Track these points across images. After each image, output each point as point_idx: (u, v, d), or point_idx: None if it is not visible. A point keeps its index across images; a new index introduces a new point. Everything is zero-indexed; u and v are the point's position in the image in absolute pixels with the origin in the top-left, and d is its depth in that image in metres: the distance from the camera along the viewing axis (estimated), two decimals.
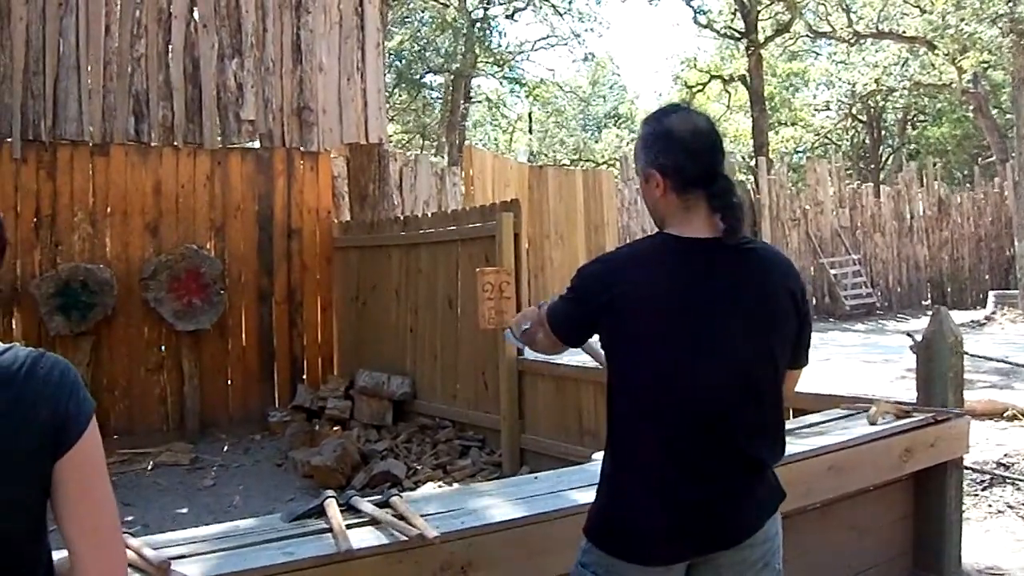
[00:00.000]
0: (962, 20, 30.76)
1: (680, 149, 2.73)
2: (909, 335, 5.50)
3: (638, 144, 2.87)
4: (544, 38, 43.84)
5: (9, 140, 10.92)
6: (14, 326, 10.97)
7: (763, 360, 2.79)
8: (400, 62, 38.76)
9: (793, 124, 44.35)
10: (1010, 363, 9.59)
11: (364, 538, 3.06)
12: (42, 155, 11.14)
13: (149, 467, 10.45)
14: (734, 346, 2.70)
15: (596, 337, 2.88)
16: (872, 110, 43.89)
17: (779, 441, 2.95)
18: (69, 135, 11.17)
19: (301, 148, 12.50)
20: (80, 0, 11.21)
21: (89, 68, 11.29)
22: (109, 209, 11.54)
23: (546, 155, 50.09)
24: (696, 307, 2.66)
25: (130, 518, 8.58)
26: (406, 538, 3.03)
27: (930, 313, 5.63)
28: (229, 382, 12.15)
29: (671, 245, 2.73)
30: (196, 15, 11.93)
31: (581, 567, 2.80)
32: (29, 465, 1.78)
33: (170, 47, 11.77)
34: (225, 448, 11.17)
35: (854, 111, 42.90)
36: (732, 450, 2.74)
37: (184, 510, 8.94)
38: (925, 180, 27.26)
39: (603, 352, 2.82)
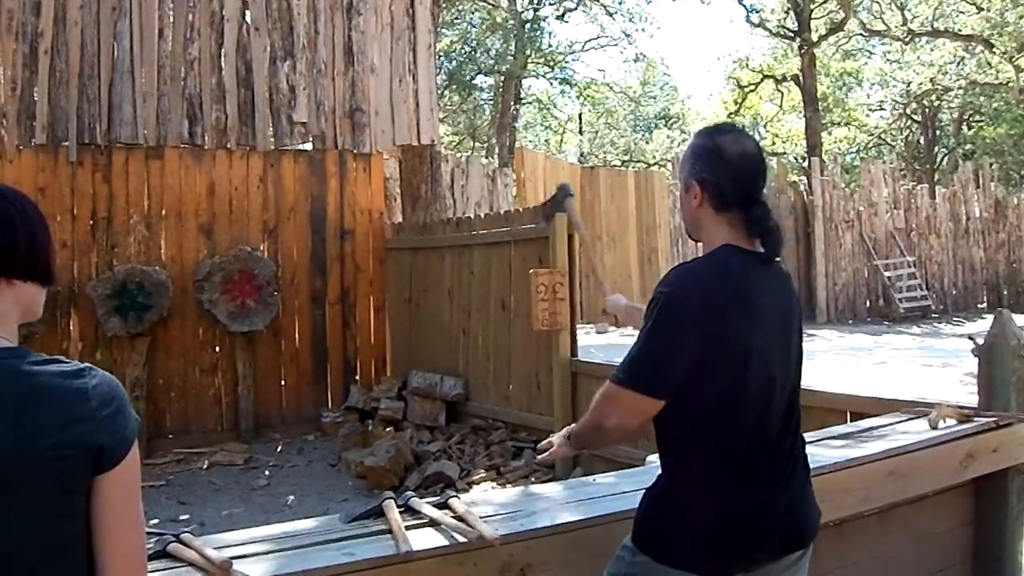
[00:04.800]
0: (1020, 18, 30.47)
1: (724, 169, 2.81)
2: (971, 338, 5.40)
3: (686, 153, 2.94)
4: (594, 38, 43.71)
5: (65, 144, 11.05)
6: (71, 327, 11.07)
7: (798, 369, 2.93)
8: (450, 63, 38.81)
9: (847, 124, 44.03)
10: None
11: (424, 540, 3.03)
12: (97, 158, 11.26)
13: (204, 466, 10.53)
14: (785, 356, 2.83)
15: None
16: (927, 110, 43.47)
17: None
18: (124, 138, 11.28)
19: (353, 150, 12.54)
20: (134, 4, 11.32)
21: (143, 72, 11.40)
22: (164, 211, 11.64)
23: (597, 156, 49.99)
24: (764, 317, 2.74)
25: (185, 516, 8.64)
26: (466, 540, 3.00)
27: (986, 316, 5.55)
28: (283, 383, 12.21)
29: (740, 255, 2.78)
30: (248, 18, 12.01)
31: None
32: (69, 479, 1.79)
33: (223, 50, 11.86)
34: (279, 448, 11.23)
35: (909, 111, 42.60)
36: (789, 461, 2.82)
37: (239, 509, 8.99)
38: (981, 181, 26.89)
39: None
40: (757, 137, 44.45)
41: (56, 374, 1.81)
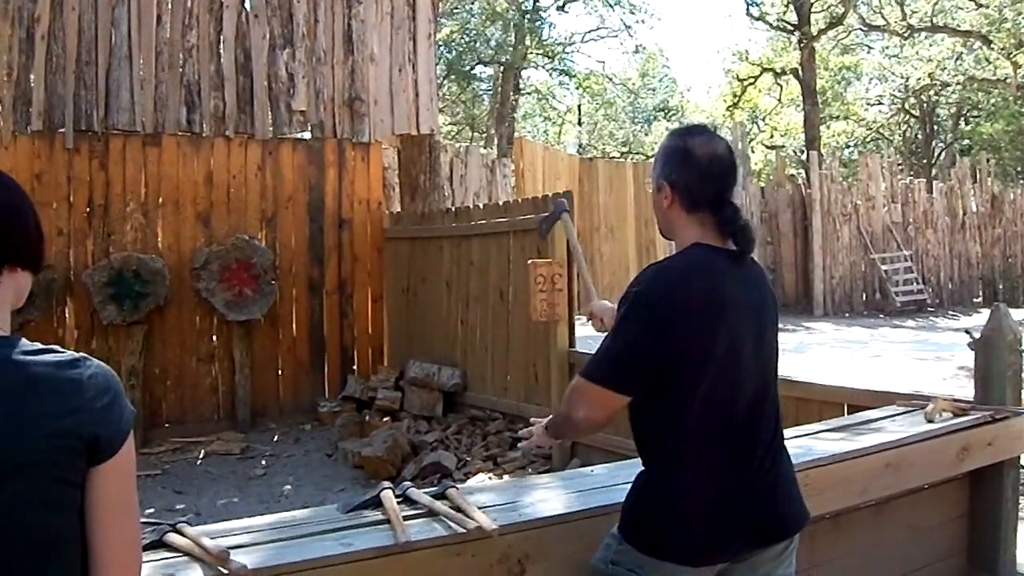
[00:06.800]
0: (1019, 14, 30.53)
1: (694, 171, 2.89)
2: (968, 332, 5.42)
3: (658, 153, 3.02)
4: (594, 30, 43.78)
5: (62, 130, 11.00)
6: (67, 315, 11.05)
7: (775, 359, 3.01)
8: (450, 53, 38.78)
9: (845, 118, 44.09)
10: None
11: (422, 530, 3.04)
12: (95, 145, 11.21)
13: (200, 456, 10.52)
14: (758, 350, 2.88)
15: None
16: (925, 105, 43.53)
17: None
18: (121, 125, 11.23)
19: (352, 139, 12.50)
20: None
21: (141, 58, 11.36)
22: (161, 199, 11.60)
23: (595, 147, 50.06)
24: (736, 311, 2.80)
25: (182, 506, 8.64)
26: (464, 530, 3.01)
27: (981, 310, 5.56)
28: (280, 372, 12.19)
29: (715, 253, 2.85)
30: (247, 5, 11.98)
31: (612, 565, 2.89)
32: (64, 471, 1.77)
33: (222, 37, 11.81)
34: (275, 438, 11.21)
35: (907, 105, 42.67)
36: (768, 453, 2.88)
37: (235, 499, 8.99)
38: (978, 176, 26.93)
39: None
40: (755, 131, 44.75)
41: (50, 364, 1.79)
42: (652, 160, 3.08)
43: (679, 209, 2.89)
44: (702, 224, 2.86)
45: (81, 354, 1.86)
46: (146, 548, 2.70)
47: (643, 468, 2.90)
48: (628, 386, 2.78)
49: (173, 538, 2.83)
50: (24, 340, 1.82)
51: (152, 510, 8.09)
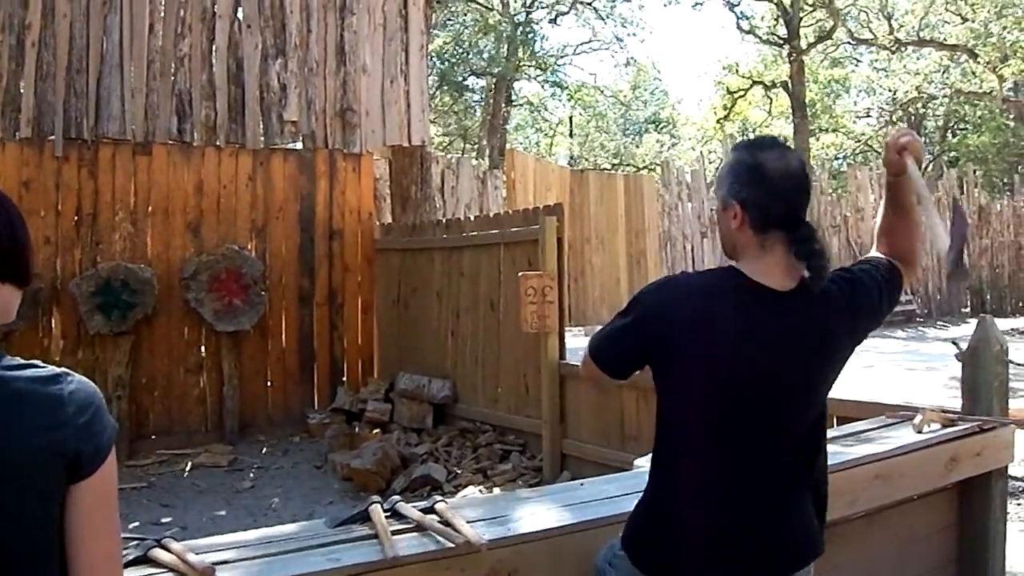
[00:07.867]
0: (1004, 28, 30.79)
1: (767, 187, 2.67)
2: (955, 343, 5.42)
3: (724, 169, 2.82)
4: (586, 42, 44.01)
5: (51, 138, 10.96)
6: (54, 325, 10.97)
7: (809, 397, 2.82)
8: (442, 64, 38.84)
9: (834, 131, 44.28)
10: None
11: (410, 545, 3.01)
12: (84, 153, 11.17)
13: (188, 468, 10.46)
14: (788, 385, 2.71)
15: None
16: (912, 117, 43.71)
17: (820, 483, 2.97)
18: (111, 134, 11.20)
19: (343, 149, 12.50)
20: None
21: (132, 67, 11.33)
22: (150, 208, 11.55)
23: (587, 159, 50.08)
24: (755, 348, 2.63)
25: (168, 519, 8.59)
26: (453, 545, 2.99)
27: (970, 320, 5.56)
28: (269, 383, 12.14)
29: (741, 284, 2.68)
30: (240, 15, 11.97)
31: (609, 566, 2.88)
32: (44, 486, 1.74)
33: (214, 47, 11.81)
34: (264, 450, 11.18)
35: (895, 118, 42.80)
36: (782, 487, 2.76)
37: (223, 512, 8.94)
38: (965, 188, 27.12)
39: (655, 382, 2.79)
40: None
41: (31, 379, 1.76)
42: (718, 177, 2.88)
43: (748, 230, 2.69)
44: (770, 248, 2.67)
45: (62, 369, 1.83)
46: (130, 564, 2.68)
47: (648, 480, 2.86)
48: (609, 367, 2.87)
49: (158, 553, 2.79)
50: (6, 356, 1.79)
51: (137, 524, 8.04)
